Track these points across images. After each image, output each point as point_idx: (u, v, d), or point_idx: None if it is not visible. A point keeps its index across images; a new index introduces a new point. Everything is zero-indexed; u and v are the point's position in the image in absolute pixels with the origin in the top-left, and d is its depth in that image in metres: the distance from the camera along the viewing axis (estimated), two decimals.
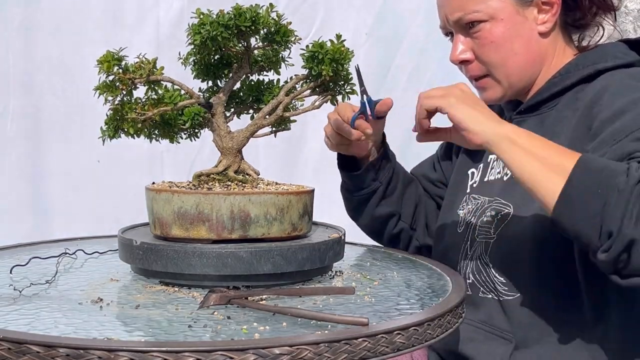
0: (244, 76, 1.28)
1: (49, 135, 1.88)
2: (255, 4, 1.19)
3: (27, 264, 1.26)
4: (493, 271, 1.29)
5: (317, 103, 1.26)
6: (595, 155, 1.09)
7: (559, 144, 1.11)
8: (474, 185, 1.41)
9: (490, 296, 1.30)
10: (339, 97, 1.27)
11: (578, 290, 1.20)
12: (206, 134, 1.29)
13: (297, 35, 1.25)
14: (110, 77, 1.16)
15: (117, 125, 1.19)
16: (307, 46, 1.21)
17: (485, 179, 1.38)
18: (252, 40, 1.24)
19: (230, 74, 1.27)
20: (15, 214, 1.86)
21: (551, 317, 1.21)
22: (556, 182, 1.03)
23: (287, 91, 1.25)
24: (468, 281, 1.33)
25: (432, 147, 1.72)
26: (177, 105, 1.19)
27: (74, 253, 1.37)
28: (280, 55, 1.28)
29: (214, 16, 1.18)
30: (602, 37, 1.35)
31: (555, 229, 1.06)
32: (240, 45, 1.23)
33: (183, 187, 1.21)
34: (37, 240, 1.54)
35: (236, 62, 1.26)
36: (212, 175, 1.25)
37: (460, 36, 1.33)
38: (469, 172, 1.44)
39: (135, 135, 1.21)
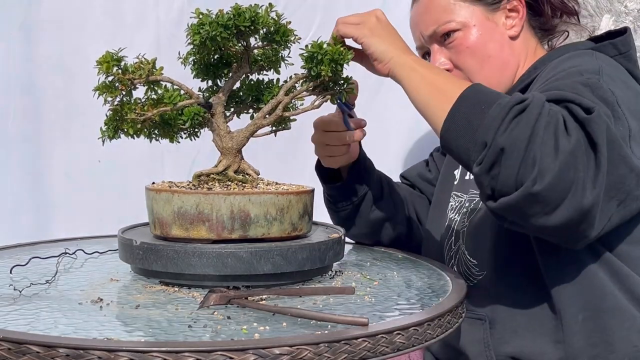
0: (244, 76, 1.28)
1: (50, 135, 1.87)
2: (255, 4, 1.19)
3: (27, 264, 1.26)
4: (467, 255, 1.35)
5: (316, 103, 1.26)
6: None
7: None
8: (456, 183, 1.46)
9: (467, 282, 1.31)
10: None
11: (536, 265, 1.23)
12: (206, 133, 1.29)
13: (296, 35, 1.25)
14: (110, 78, 1.16)
15: (116, 125, 1.19)
16: (306, 46, 1.21)
17: (466, 177, 1.43)
18: (252, 40, 1.24)
19: (230, 74, 1.27)
20: (16, 213, 1.86)
21: (517, 291, 1.25)
22: (447, 103, 1.09)
23: (287, 91, 1.25)
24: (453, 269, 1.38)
25: (430, 148, 1.72)
26: (176, 105, 1.19)
27: (74, 253, 1.37)
28: (280, 54, 1.28)
29: (214, 16, 1.18)
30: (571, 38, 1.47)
31: (444, 150, 1.15)
32: (239, 45, 1.23)
33: (183, 187, 1.21)
34: (38, 240, 1.54)
35: (236, 62, 1.26)
36: (212, 175, 1.25)
37: (436, 48, 1.40)
38: (454, 172, 1.48)
39: (135, 136, 1.21)
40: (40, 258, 1.30)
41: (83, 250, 1.39)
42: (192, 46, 1.22)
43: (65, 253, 1.35)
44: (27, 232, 1.84)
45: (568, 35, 1.47)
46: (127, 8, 1.92)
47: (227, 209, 1.15)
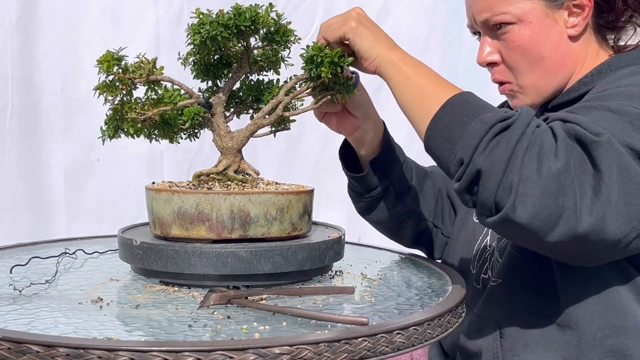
0: (244, 76, 1.28)
1: (48, 134, 1.87)
2: (255, 4, 1.19)
3: (27, 263, 1.26)
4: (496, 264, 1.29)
5: (316, 103, 1.26)
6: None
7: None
8: None
9: (479, 286, 1.30)
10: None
11: (553, 279, 1.18)
12: (206, 133, 1.29)
13: (296, 35, 1.25)
14: (110, 77, 1.16)
15: (116, 125, 1.19)
16: (307, 47, 1.21)
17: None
18: (252, 40, 1.24)
19: (230, 74, 1.27)
20: (15, 213, 1.86)
21: (531, 304, 1.20)
22: (432, 108, 1.06)
23: (287, 91, 1.25)
24: (478, 286, 1.32)
25: None
26: (176, 105, 1.19)
27: (73, 253, 1.37)
28: (280, 55, 1.28)
29: (214, 16, 1.18)
30: None
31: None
32: (239, 45, 1.23)
33: (183, 186, 1.21)
34: (36, 239, 1.53)
35: (236, 62, 1.26)
36: (212, 175, 1.25)
37: (487, 37, 1.29)
38: None
39: (135, 135, 1.21)
40: (40, 258, 1.30)
41: (83, 250, 1.39)
42: (192, 46, 1.22)
43: (65, 253, 1.35)
44: (26, 231, 1.84)
45: (635, 31, 1.30)
46: (126, 6, 1.92)
47: (227, 209, 1.15)
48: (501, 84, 1.30)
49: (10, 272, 1.23)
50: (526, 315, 1.19)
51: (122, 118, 1.18)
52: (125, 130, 1.19)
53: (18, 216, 1.86)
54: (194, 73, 1.28)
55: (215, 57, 1.27)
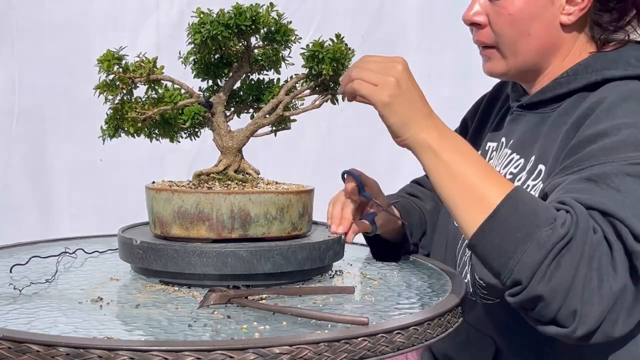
0: (244, 75, 1.28)
1: (53, 135, 1.89)
2: (256, 4, 1.19)
3: (27, 263, 1.26)
4: (475, 274, 1.26)
5: (317, 102, 1.26)
6: (524, 189, 1.07)
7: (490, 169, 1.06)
8: None
9: (474, 298, 1.28)
10: (339, 97, 1.27)
11: None
12: (207, 133, 1.29)
13: (297, 35, 1.25)
14: (110, 76, 1.16)
15: (117, 124, 1.19)
16: (307, 45, 1.21)
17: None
18: (252, 40, 1.24)
19: (230, 73, 1.27)
20: (20, 212, 1.87)
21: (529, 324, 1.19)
22: (477, 214, 0.99)
23: (287, 90, 1.25)
24: (464, 280, 1.32)
25: None
26: (177, 104, 1.19)
27: (73, 252, 1.37)
28: (280, 54, 1.28)
29: (214, 15, 1.18)
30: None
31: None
32: (240, 44, 1.23)
33: (183, 186, 1.21)
34: (40, 238, 1.54)
35: (236, 62, 1.26)
36: (212, 175, 1.25)
37: None
38: None
39: (135, 135, 1.21)
40: (40, 257, 1.30)
41: (83, 250, 1.39)
42: (192, 45, 1.22)
43: (65, 252, 1.35)
44: (29, 230, 1.84)
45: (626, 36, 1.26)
46: (128, 10, 1.93)
47: (227, 209, 1.15)
48: (484, 46, 1.29)
49: (10, 272, 1.23)
50: (527, 334, 1.16)
51: (123, 117, 1.18)
52: (126, 129, 1.19)
53: (23, 216, 1.87)
54: (195, 72, 1.28)
55: (216, 57, 1.27)
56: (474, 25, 1.28)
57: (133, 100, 1.19)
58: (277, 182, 1.28)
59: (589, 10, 1.22)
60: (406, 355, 1.41)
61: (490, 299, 1.24)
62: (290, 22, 1.24)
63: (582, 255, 0.94)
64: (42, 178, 1.89)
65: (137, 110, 1.17)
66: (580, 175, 1.04)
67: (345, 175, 1.33)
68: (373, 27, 2.00)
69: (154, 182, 1.28)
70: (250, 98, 1.30)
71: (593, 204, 0.98)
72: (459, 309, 1.10)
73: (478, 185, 1.01)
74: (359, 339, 0.91)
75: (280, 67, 1.30)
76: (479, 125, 1.46)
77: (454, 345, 1.30)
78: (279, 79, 1.31)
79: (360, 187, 1.30)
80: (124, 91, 1.17)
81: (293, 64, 1.28)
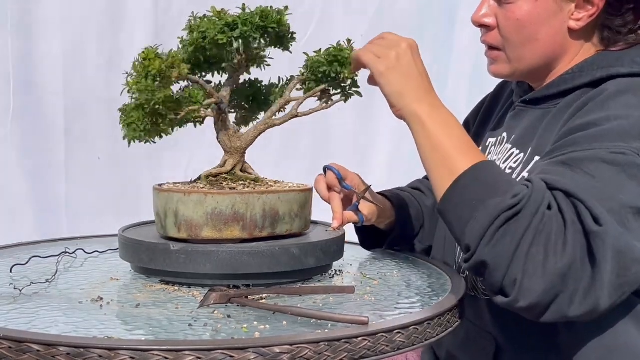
0: (243, 75, 1.28)
1: (50, 134, 1.88)
2: (278, 8, 1.21)
3: (27, 263, 1.26)
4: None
5: (329, 103, 1.27)
6: (495, 164, 1.10)
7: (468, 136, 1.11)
8: None
9: (474, 293, 1.28)
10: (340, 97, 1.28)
11: None
12: (206, 132, 1.29)
13: (294, 37, 1.26)
14: (151, 74, 1.12)
15: (148, 125, 1.15)
16: (327, 49, 1.22)
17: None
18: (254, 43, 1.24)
19: (229, 74, 1.27)
20: (17, 212, 1.86)
21: (528, 322, 1.14)
22: (445, 180, 1.06)
23: (290, 92, 1.25)
24: (462, 275, 1.32)
25: None
26: (203, 104, 1.19)
27: (74, 252, 1.37)
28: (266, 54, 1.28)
29: (242, 16, 1.18)
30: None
31: None
32: (255, 45, 1.23)
33: (200, 187, 1.21)
34: (38, 238, 1.54)
35: (231, 62, 1.25)
36: (222, 175, 1.25)
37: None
38: None
39: (164, 134, 1.17)
40: (41, 257, 1.30)
41: (83, 250, 1.39)
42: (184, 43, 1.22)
43: (65, 252, 1.35)
44: (27, 230, 1.84)
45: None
46: (126, 6, 1.92)
47: (260, 208, 1.17)
48: (490, 47, 1.29)
49: (11, 272, 1.23)
50: (524, 330, 1.18)
51: (161, 117, 1.15)
52: (162, 129, 1.17)
53: (20, 216, 1.87)
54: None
55: (206, 55, 1.25)
56: (483, 26, 1.28)
57: (171, 99, 1.17)
58: (276, 181, 1.29)
59: (599, 15, 1.21)
60: (406, 355, 1.41)
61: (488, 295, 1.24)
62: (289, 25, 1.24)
63: (529, 227, 0.96)
64: (38, 177, 1.88)
65: (174, 109, 1.15)
66: (559, 159, 1.06)
67: (326, 170, 1.36)
68: (373, 26, 2.00)
69: (162, 185, 1.26)
70: (250, 99, 1.30)
71: (557, 185, 1.00)
72: (459, 308, 1.11)
73: (453, 156, 1.07)
74: (359, 339, 0.91)
75: (262, 66, 1.29)
76: (481, 124, 1.46)
77: (455, 343, 1.30)
78: (280, 79, 1.31)
79: (339, 179, 1.34)
80: (162, 90, 1.15)
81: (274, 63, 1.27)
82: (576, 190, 0.99)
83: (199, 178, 1.26)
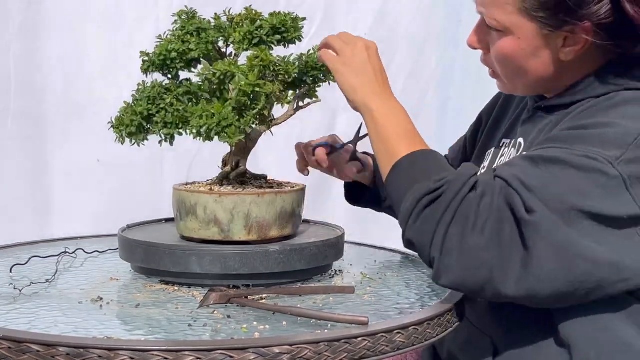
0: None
1: (50, 135, 1.88)
2: (293, 16, 1.24)
3: (27, 263, 1.26)
4: None
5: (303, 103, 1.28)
6: (435, 152, 1.14)
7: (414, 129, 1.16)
8: (483, 170, 1.36)
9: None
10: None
11: None
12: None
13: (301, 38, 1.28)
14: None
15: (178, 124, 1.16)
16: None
17: (494, 167, 1.32)
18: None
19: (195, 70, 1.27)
20: (16, 213, 1.86)
21: (525, 320, 1.16)
22: (388, 166, 1.12)
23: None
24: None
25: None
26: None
27: (73, 252, 1.37)
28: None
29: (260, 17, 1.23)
30: None
31: None
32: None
33: (229, 188, 1.21)
34: (37, 239, 1.53)
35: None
36: (236, 176, 1.25)
37: (481, 26, 1.22)
38: (486, 153, 1.39)
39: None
40: (40, 257, 1.30)
41: (83, 250, 1.39)
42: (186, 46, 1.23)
43: (65, 252, 1.35)
44: (27, 231, 1.84)
45: None
46: (126, 8, 1.92)
47: (302, 205, 1.24)
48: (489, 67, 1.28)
49: (10, 272, 1.23)
50: (521, 332, 1.17)
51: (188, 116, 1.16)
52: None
53: (19, 217, 1.87)
54: (146, 67, 1.26)
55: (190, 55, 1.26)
56: (477, 49, 1.27)
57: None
58: (274, 180, 1.30)
59: (592, 45, 1.14)
60: (405, 355, 1.40)
61: None
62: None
63: (448, 209, 1.01)
64: (38, 179, 1.88)
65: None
66: (529, 154, 1.07)
67: (315, 150, 1.39)
68: (376, 24, 1.99)
69: (187, 184, 1.26)
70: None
71: (502, 173, 1.04)
72: (459, 309, 1.11)
73: (395, 144, 1.13)
74: (359, 339, 0.91)
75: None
76: (496, 120, 1.45)
77: (457, 345, 1.30)
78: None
79: (331, 146, 1.40)
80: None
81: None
82: (512, 181, 1.02)
83: (227, 177, 1.25)
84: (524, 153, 1.23)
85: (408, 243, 1.08)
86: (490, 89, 1.47)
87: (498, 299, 1.04)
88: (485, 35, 1.22)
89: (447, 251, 1.01)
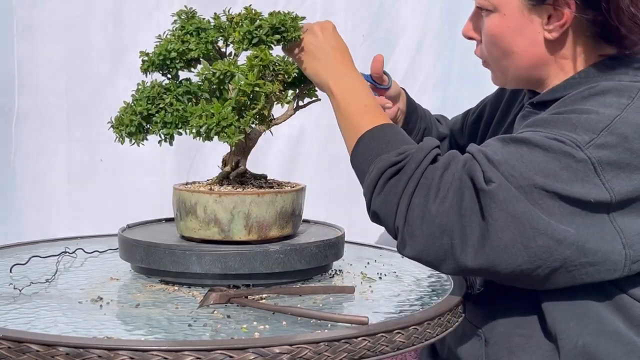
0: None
1: (53, 135, 1.89)
2: (293, 16, 1.23)
3: (27, 262, 1.26)
4: None
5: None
6: (396, 126, 1.17)
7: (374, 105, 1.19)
8: None
9: (470, 291, 1.28)
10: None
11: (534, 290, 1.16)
12: None
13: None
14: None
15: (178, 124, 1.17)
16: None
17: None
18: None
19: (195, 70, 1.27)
20: (19, 213, 1.87)
21: (514, 312, 1.18)
22: (352, 141, 1.15)
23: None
24: None
25: None
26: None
27: (73, 252, 1.37)
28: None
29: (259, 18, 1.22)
30: None
31: None
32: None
33: (228, 188, 1.21)
34: (39, 239, 1.54)
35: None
36: (237, 176, 1.25)
37: (475, 14, 1.28)
38: None
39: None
40: (40, 257, 1.30)
41: (83, 250, 1.39)
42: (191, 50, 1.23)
43: (65, 252, 1.35)
44: (28, 231, 1.84)
45: None
46: (128, 9, 1.92)
47: (303, 205, 1.24)
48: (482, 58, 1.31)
49: (10, 271, 1.23)
50: (510, 323, 1.18)
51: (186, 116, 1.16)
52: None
53: (22, 217, 1.88)
54: (146, 66, 1.26)
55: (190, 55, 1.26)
56: (471, 39, 1.30)
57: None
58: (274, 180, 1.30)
59: (580, 23, 1.17)
60: (405, 354, 1.40)
61: (479, 287, 1.25)
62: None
63: (410, 180, 1.04)
64: (41, 179, 1.89)
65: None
66: (504, 136, 1.09)
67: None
68: (374, 26, 1.99)
69: (187, 184, 1.26)
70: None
71: (470, 149, 1.07)
72: (459, 308, 1.11)
73: (357, 119, 1.16)
74: (359, 339, 0.91)
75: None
76: (501, 116, 1.46)
77: (454, 339, 1.30)
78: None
79: (374, 84, 1.43)
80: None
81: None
82: (477, 154, 1.04)
83: (227, 177, 1.25)
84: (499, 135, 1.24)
85: (373, 215, 1.10)
86: (488, 88, 1.47)
87: (459, 271, 1.06)
88: (478, 22, 1.26)
89: (410, 220, 1.03)
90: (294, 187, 1.25)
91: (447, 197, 1.02)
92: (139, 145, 1.22)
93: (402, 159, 1.07)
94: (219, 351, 0.84)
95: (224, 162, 1.28)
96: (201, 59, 1.22)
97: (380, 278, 1.26)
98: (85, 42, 1.89)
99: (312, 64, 1.22)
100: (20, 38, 1.87)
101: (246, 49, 1.21)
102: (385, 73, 1.45)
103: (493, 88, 1.49)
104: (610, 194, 1.03)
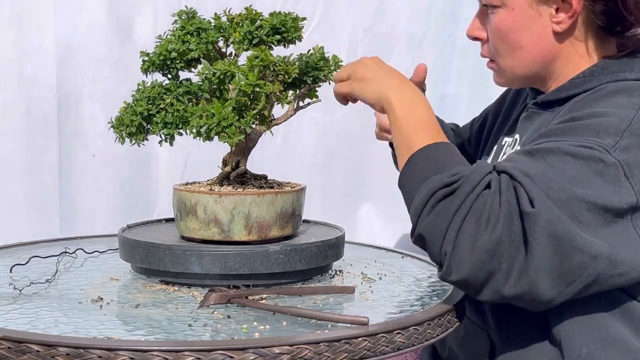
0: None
1: (43, 130, 1.86)
2: (293, 16, 1.23)
3: (27, 263, 1.27)
4: None
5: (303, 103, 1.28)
6: (451, 145, 1.13)
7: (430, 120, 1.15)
8: None
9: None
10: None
11: None
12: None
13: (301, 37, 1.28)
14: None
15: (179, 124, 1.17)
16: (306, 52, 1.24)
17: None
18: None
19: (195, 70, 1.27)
20: (9, 210, 1.84)
21: (519, 317, 1.16)
22: (405, 157, 1.12)
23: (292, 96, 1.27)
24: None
25: None
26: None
27: (74, 252, 1.37)
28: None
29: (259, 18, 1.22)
30: None
31: None
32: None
33: (228, 188, 1.21)
34: (31, 236, 1.53)
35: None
36: (237, 176, 1.25)
37: (480, 12, 1.28)
38: (491, 149, 1.42)
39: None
40: (40, 257, 1.30)
41: (83, 250, 1.39)
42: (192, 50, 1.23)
43: (65, 252, 1.35)
44: (21, 229, 1.83)
45: None
46: (123, 2, 1.90)
47: (303, 205, 1.24)
48: (489, 59, 1.30)
49: (10, 272, 1.23)
50: (517, 328, 1.17)
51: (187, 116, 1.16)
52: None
53: (12, 214, 1.85)
54: (146, 66, 1.26)
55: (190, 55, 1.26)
56: (477, 39, 1.30)
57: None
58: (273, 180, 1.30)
59: (589, 15, 1.19)
60: (405, 355, 1.41)
61: None
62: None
63: (462, 204, 0.99)
64: (31, 174, 1.86)
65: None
66: (527, 149, 1.07)
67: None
68: (375, 22, 1.99)
69: (187, 184, 1.26)
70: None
71: (506, 168, 1.03)
72: (459, 309, 1.11)
73: (411, 135, 1.12)
74: (359, 339, 0.91)
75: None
76: (504, 118, 1.47)
77: (455, 340, 1.30)
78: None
79: None
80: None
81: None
82: (517, 174, 1.01)
83: (227, 177, 1.25)
84: (519, 148, 1.24)
85: (418, 237, 1.05)
86: (487, 88, 1.47)
87: (499, 297, 1.01)
88: (483, 20, 1.26)
89: (459, 246, 0.98)
90: (294, 187, 1.25)
91: (499, 224, 0.98)
92: (139, 146, 1.22)
93: (456, 181, 1.02)
94: (219, 351, 0.84)
95: (224, 163, 1.28)
96: (201, 59, 1.22)
97: (380, 278, 1.26)
98: (76, 31, 1.85)
99: (369, 87, 1.20)
100: (6, 29, 1.82)
101: (247, 49, 1.22)
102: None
103: (493, 86, 1.49)
104: (638, 196, 1.01)
